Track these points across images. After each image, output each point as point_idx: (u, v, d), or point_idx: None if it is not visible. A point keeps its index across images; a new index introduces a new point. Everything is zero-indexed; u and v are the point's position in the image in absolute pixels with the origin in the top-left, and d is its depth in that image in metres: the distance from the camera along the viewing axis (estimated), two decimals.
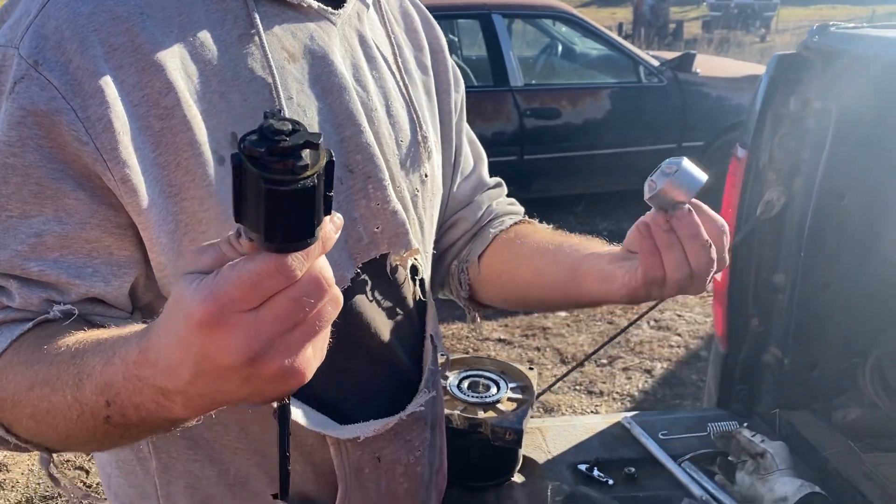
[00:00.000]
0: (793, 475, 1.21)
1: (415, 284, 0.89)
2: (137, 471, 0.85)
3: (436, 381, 0.96)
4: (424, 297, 0.92)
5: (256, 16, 0.72)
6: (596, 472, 1.38)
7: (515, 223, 1.01)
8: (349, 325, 0.80)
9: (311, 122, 0.75)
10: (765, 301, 1.57)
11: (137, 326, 0.57)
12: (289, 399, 0.53)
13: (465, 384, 1.36)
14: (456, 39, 6.58)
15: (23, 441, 0.66)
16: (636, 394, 3.43)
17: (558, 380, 2.29)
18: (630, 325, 2.30)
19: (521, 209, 1.07)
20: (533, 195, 5.47)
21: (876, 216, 1.50)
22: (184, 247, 0.69)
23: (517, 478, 1.37)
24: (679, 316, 4.16)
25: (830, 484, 1.36)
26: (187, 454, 0.83)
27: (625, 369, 3.62)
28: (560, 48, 6.11)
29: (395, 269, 0.85)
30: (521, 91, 5.13)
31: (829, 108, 1.42)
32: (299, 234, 0.44)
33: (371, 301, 0.83)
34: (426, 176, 0.89)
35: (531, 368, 1.38)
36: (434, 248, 0.99)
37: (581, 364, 2.59)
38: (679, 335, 3.95)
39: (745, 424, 1.44)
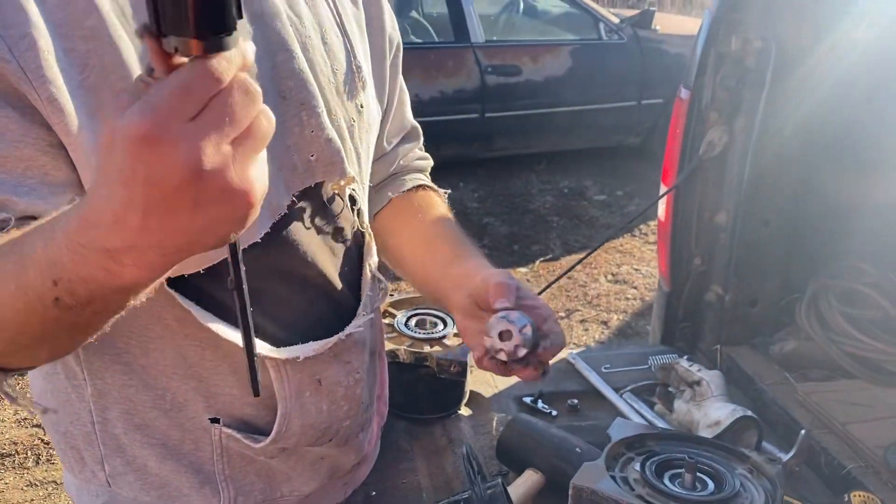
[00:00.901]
0: (726, 401, 1.26)
1: (353, 214, 0.90)
2: (73, 399, 0.85)
3: (374, 307, 0.97)
4: (363, 227, 0.93)
5: None
6: (540, 404, 1.41)
7: (415, 187, 1.06)
8: (286, 254, 0.81)
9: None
10: (707, 240, 1.60)
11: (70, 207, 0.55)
12: (238, 239, 0.51)
13: (413, 322, 1.38)
14: None
15: None
16: (591, 344, 3.49)
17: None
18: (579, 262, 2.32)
19: (428, 164, 1.12)
20: (495, 153, 5.48)
21: (813, 156, 1.54)
22: None
23: (464, 411, 1.40)
24: (636, 270, 4.23)
25: (766, 412, 1.41)
26: (122, 380, 0.83)
27: (582, 321, 3.68)
28: (522, 5, 6.07)
29: (332, 199, 0.85)
30: (483, 47, 5.10)
31: (769, 46, 1.44)
32: (216, 21, 0.43)
33: (308, 229, 0.83)
34: (362, 106, 0.89)
35: None
36: None
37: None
38: (635, 288, 4.02)
39: (686, 357, 1.49)
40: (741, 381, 1.53)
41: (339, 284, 0.89)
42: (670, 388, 1.39)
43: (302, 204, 0.81)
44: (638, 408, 1.38)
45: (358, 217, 0.91)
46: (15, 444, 2.76)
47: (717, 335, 1.64)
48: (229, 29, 0.44)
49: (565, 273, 2.09)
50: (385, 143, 1.04)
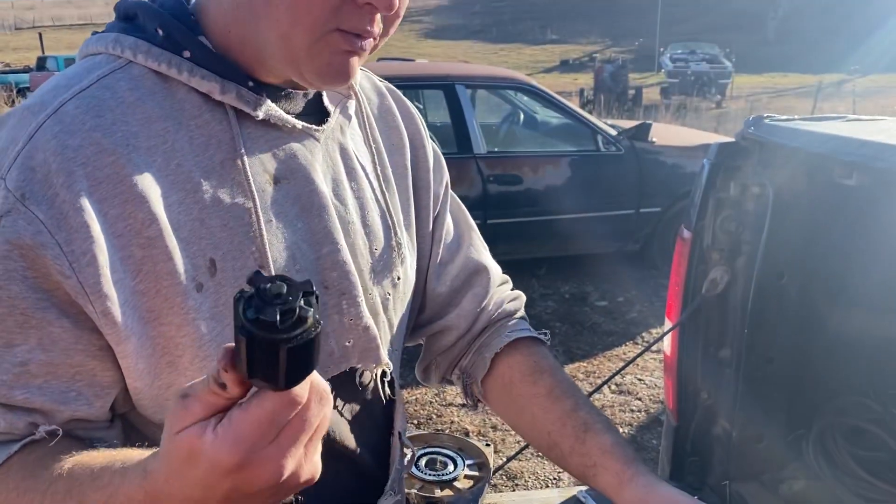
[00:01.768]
0: None
1: (383, 386, 0.90)
2: None
3: (401, 484, 0.97)
4: (394, 395, 0.93)
5: (241, 140, 0.74)
6: None
7: (513, 342, 0.99)
8: None
9: (290, 243, 0.77)
10: (712, 375, 1.63)
11: (131, 455, 0.61)
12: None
13: (423, 461, 1.39)
14: (422, 107, 6.74)
15: None
16: None
17: (520, 450, 2.31)
18: (594, 391, 2.34)
19: (518, 305, 1.06)
20: (497, 258, 5.50)
21: (813, 294, 1.59)
22: (160, 369, 0.71)
23: None
24: (640, 380, 4.22)
25: None
26: None
27: (600, 411, 3.65)
28: (522, 116, 6.30)
29: (362, 374, 0.87)
30: (485, 158, 5.27)
31: (767, 192, 1.51)
32: (308, 372, 0.49)
33: (336, 408, 0.85)
34: (398, 279, 0.91)
35: (487, 445, 1.41)
36: (425, 348, 1.04)
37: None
38: (640, 399, 4.00)
39: (696, 497, 1.48)
40: None
41: (366, 456, 0.90)
42: None
43: (333, 386, 0.83)
44: None
45: (389, 387, 0.92)
46: None
47: (725, 470, 1.64)
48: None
49: (604, 383, 2.09)
50: (439, 286, 1.01)
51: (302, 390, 0.49)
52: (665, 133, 6.12)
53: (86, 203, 0.66)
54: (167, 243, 0.69)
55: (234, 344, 0.48)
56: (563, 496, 1.57)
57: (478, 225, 4.55)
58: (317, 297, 0.49)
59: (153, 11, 0.74)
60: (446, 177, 1.03)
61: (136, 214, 0.68)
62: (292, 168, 0.78)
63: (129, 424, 0.76)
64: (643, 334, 4.78)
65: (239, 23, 0.73)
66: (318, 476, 0.54)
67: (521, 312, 1.06)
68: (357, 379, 0.86)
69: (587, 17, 48.33)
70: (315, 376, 0.51)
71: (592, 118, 5.74)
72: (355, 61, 0.74)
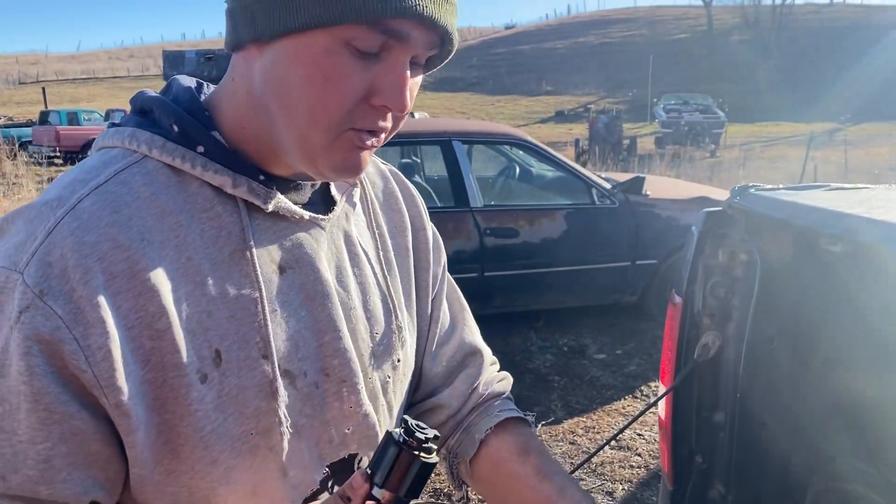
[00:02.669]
0: None
1: None
2: None
3: None
4: None
5: (250, 233, 0.77)
6: None
7: (501, 422, 1.01)
8: None
9: (294, 331, 0.80)
10: (707, 439, 1.65)
11: None
12: None
13: None
14: (419, 161, 6.85)
15: None
16: None
17: None
18: (595, 452, 2.35)
19: (505, 386, 1.08)
20: (494, 311, 5.58)
21: (804, 359, 1.61)
22: (162, 456, 0.73)
23: None
24: (639, 435, 4.20)
25: None
26: None
27: (588, 491, 3.62)
28: (517, 170, 6.40)
29: (360, 461, 0.88)
30: (481, 211, 5.33)
31: (754, 259, 1.55)
32: (418, 493, 0.70)
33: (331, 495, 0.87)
34: (398, 361, 0.93)
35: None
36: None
37: None
38: (639, 455, 3.97)
39: None
40: None
41: None
42: None
43: (331, 473, 0.84)
44: None
45: None
46: None
47: None
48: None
49: (599, 449, 2.10)
50: (435, 366, 1.04)
51: None
52: (659, 186, 6.20)
53: (101, 298, 0.68)
54: (175, 336, 0.71)
55: (363, 470, 0.69)
56: None
57: (475, 277, 4.66)
58: (436, 438, 0.70)
59: (169, 108, 0.78)
60: (444, 259, 1.06)
61: (148, 307, 0.71)
62: (297, 257, 0.81)
63: None
64: (642, 388, 4.77)
65: (255, 122, 0.77)
66: None
67: (508, 393, 1.08)
68: (356, 465, 0.87)
69: (581, 69, 49.20)
70: None
71: (587, 172, 5.83)
72: (366, 155, 0.77)
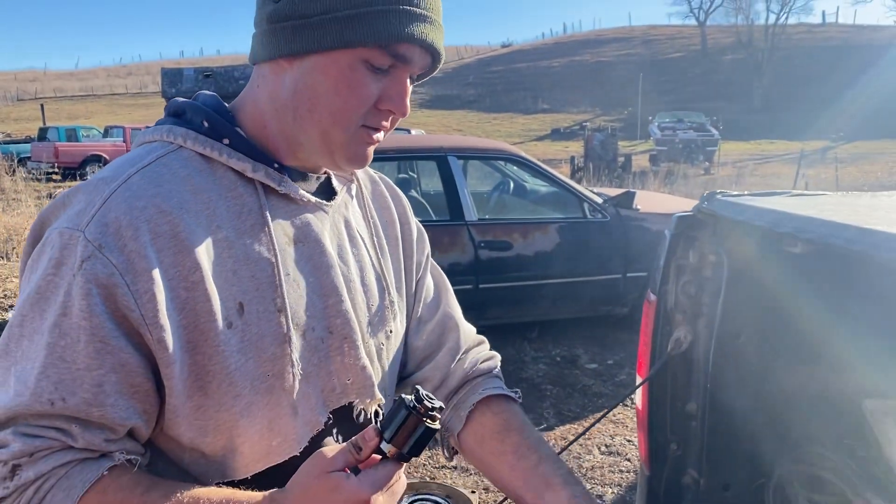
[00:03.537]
0: None
1: (375, 422, 1.03)
2: None
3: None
4: None
5: (267, 210, 0.93)
6: None
7: (486, 399, 1.12)
8: None
9: (303, 293, 0.95)
10: (680, 427, 1.77)
11: (252, 496, 0.85)
12: None
13: None
14: (416, 176, 6.99)
15: None
16: None
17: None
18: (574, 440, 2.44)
19: (492, 365, 1.19)
20: (488, 322, 5.70)
21: (769, 352, 1.74)
22: (193, 392, 0.88)
23: None
24: (629, 441, 4.31)
25: None
26: None
27: (563, 467, 3.73)
28: (511, 185, 6.54)
29: (359, 413, 1.02)
30: (476, 225, 5.46)
31: (722, 260, 1.69)
32: (419, 452, 0.82)
33: (335, 441, 1.00)
34: (391, 332, 1.08)
35: (473, 492, 1.54)
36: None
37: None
38: (629, 460, 4.09)
39: None
40: None
41: None
42: None
43: (334, 419, 0.99)
44: None
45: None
46: None
47: None
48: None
49: (562, 451, 2.21)
50: (417, 340, 1.16)
51: (401, 467, 0.81)
52: (649, 200, 6.35)
53: (148, 252, 0.83)
54: (206, 288, 0.87)
55: (376, 426, 0.82)
56: None
57: (470, 289, 4.82)
58: (441, 409, 0.83)
59: (199, 108, 0.95)
60: (427, 247, 1.23)
61: (185, 263, 0.86)
62: (306, 233, 0.97)
63: (154, 449, 0.92)
64: (632, 396, 4.88)
65: (278, 121, 0.95)
66: None
67: (496, 371, 1.21)
68: (353, 413, 1.01)
69: (577, 87, 49.57)
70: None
71: (578, 186, 5.97)
72: (371, 149, 0.96)
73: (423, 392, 0.83)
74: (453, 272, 5.27)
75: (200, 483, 0.90)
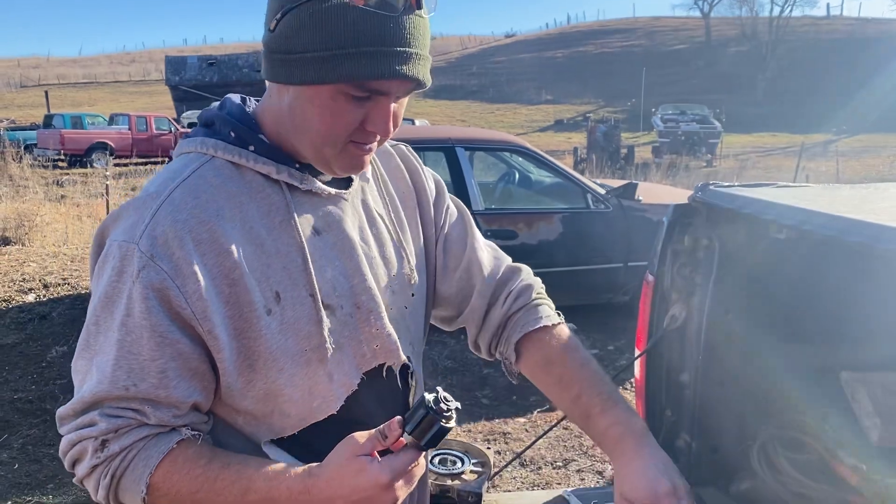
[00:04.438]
0: None
1: (402, 377, 1.21)
2: None
3: None
4: (409, 384, 1.23)
5: (292, 206, 1.06)
6: None
7: (528, 334, 1.25)
8: (355, 414, 1.13)
9: (331, 277, 1.08)
10: (675, 395, 1.96)
11: (294, 470, 0.98)
12: None
13: (437, 460, 1.71)
14: None
15: None
16: None
17: (511, 461, 2.59)
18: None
19: (531, 294, 1.30)
20: None
21: (755, 328, 1.92)
22: (242, 370, 1.03)
23: None
24: None
25: None
26: None
27: (578, 471, 3.92)
28: (517, 176, 6.69)
29: (388, 370, 1.17)
30: (482, 214, 5.63)
31: (714, 244, 1.87)
32: (435, 445, 0.96)
33: (370, 392, 1.15)
34: (412, 295, 1.23)
35: (488, 448, 1.73)
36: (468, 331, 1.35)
37: (529, 447, 2.88)
38: None
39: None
40: None
41: None
42: None
43: (366, 379, 1.13)
44: None
45: (410, 377, 1.22)
46: None
47: (687, 477, 1.94)
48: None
49: (556, 423, 2.41)
50: (448, 289, 1.30)
51: (423, 458, 0.98)
52: (651, 192, 6.51)
53: (193, 257, 0.97)
54: (246, 282, 1.01)
55: (400, 418, 0.97)
56: (550, 495, 1.88)
57: None
58: (458, 409, 0.98)
59: (227, 120, 1.09)
60: (447, 200, 1.34)
61: (225, 263, 1.00)
62: (329, 223, 1.10)
63: (213, 414, 1.09)
64: (631, 380, 5.08)
65: (284, 130, 1.08)
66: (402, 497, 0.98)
67: (534, 300, 1.30)
68: (384, 373, 1.17)
69: (581, 78, 49.54)
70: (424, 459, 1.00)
71: (582, 178, 6.13)
72: (368, 157, 1.07)
73: (441, 394, 0.97)
74: None
75: (254, 441, 1.08)
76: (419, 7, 0.98)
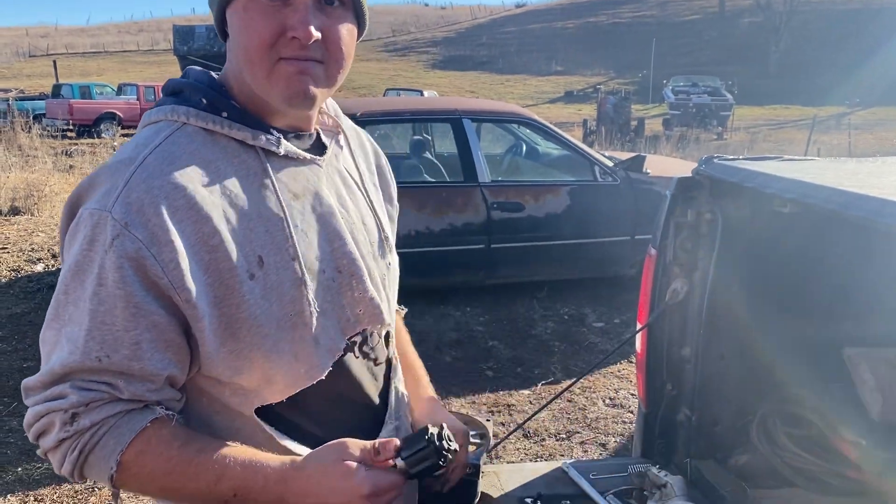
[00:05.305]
0: (686, 500, 1.57)
1: (385, 345, 1.23)
2: None
3: (398, 414, 1.27)
4: (391, 354, 1.26)
5: (270, 171, 1.04)
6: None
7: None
8: (340, 381, 1.13)
9: (312, 241, 1.06)
10: (676, 369, 1.96)
11: (271, 459, 1.01)
12: None
13: None
14: (430, 138, 7.12)
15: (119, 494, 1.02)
16: None
17: (511, 432, 2.60)
18: (571, 385, 2.62)
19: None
20: (499, 281, 5.89)
21: (756, 303, 1.92)
22: (225, 339, 1.00)
23: None
24: (632, 395, 4.52)
25: None
26: None
27: (581, 443, 3.95)
28: (524, 148, 6.66)
29: (371, 336, 1.18)
30: (489, 186, 5.61)
31: (717, 218, 1.85)
32: (422, 479, 1.04)
33: (356, 358, 1.16)
34: (389, 264, 1.23)
35: (488, 420, 1.74)
36: None
37: (529, 419, 2.90)
38: (631, 412, 4.29)
39: (657, 466, 1.81)
40: (706, 489, 1.84)
41: (374, 397, 1.21)
42: (644, 492, 1.71)
43: (351, 342, 1.14)
44: None
45: (388, 347, 1.24)
46: None
47: (687, 450, 1.96)
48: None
49: (559, 394, 2.42)
50: None
51: (402, 484, 1.02)
52: (659, 164, 6.46)
53: (169, 225, 0.93)
54: (227, 248, 0.98)
55: (398, 441, 1.01)
56: (549, 467, 1.89)
57: (482, 249, 5.10)
58: (455, 452, 1.03)
59: (196, 87, 1.06)
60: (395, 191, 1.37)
61: (204, 229, 0.96)
62: (307, 188, 1.08)
63: (196, 388, 1.06)
64: (633, 354, 5.09)
65: (238, 80, 1.06)
66: None
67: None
68: (367, 338, 1.17)
69: (591, 49, 48.98)
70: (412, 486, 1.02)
71: (590, 150, 6.09)
72: (309, 82, 1.01)
73: (447, 432, 0.99)
74: (466, 232, 5.45)
75: (240, 413, 1.06)
76: None
